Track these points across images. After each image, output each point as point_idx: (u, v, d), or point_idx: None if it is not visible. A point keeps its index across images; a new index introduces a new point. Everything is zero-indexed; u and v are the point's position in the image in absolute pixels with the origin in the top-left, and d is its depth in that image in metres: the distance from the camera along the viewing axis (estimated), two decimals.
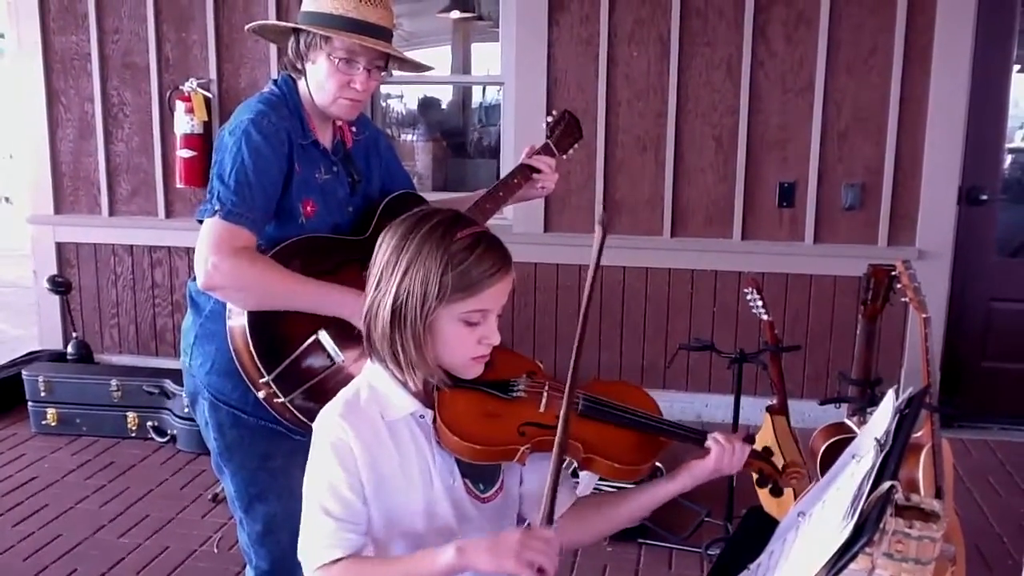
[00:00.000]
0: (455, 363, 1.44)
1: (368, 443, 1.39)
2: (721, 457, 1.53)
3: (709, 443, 1.54)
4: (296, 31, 2.00)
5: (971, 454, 4.14)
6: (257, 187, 1.86)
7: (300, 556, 1.39)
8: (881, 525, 1.06)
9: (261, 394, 1.88)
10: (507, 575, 1.28)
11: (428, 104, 6.43)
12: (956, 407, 4.31)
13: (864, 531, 1.05)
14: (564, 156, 2.38)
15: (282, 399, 1.86)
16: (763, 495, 3.05)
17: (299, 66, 2.00)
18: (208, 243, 1.82)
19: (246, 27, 2.18)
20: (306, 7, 1.98)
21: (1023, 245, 4.58)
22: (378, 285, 1.41)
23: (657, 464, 1.63)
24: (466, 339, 1.41)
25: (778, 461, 1.65)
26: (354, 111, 2.04)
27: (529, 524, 1.46)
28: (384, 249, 1.42)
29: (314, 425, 1.43)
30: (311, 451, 1.42)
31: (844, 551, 1.05)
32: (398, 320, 1.38)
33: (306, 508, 1.39)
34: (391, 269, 1.39)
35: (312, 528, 1.38)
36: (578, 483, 2.20)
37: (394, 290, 1.38)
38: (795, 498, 2.87)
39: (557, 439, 1.39)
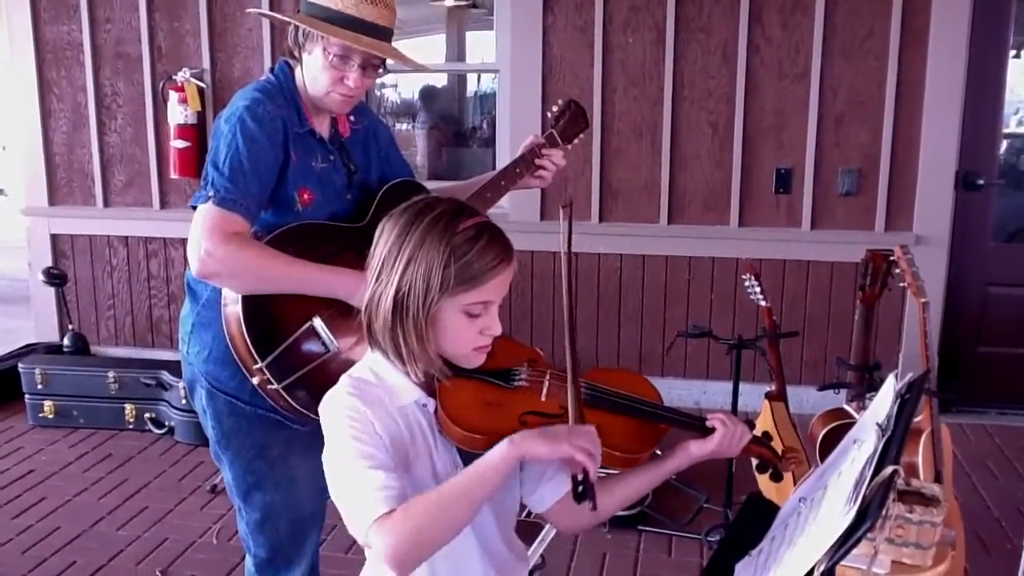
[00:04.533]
0: (457, 354, 1.43)
1: (381, 418, 1.37)
2: (723, 440, 1.53)
3: (714, 424, 1.54)
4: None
5: (968, 439, 4.15)
6: (251, 174, 1.85)
7: (351, 518, 1.30)
8: (883, 511, 1.05)
9: (255, 380, 1.87)
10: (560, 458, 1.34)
11: (423, 93, 6.41)
12: (955, 391, 4.32)
13: (867, 516, 1.05)
14: (568, 146, 2.37)
15: (276, 386, 1.86)
16: (762, 481, 3.06)
17: (296, 54, 1.99)
18: (201, 229, 1.81)
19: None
20: None
21: (1020, 230, 4.58)
22: (379, 276, 1.40)
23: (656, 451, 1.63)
24: (468, 330, 1.40)
25: (777, 446, 1.66)
26: (346, 106, 2.03)
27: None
28: (385, 240, 1.40)
29: (322, 407, 1.40)
30: (327, 433, 1.38)
31: (847, 537, 1.05)
32: (400, 312, 1.37)
33: (344, 478, 1.33)
34: (393, 261, 1.38)
35: (358, 486, 1.30)
36: None
37: (396, 282, 1.37)
38: (795, 483, 2.88)
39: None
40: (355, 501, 1.30)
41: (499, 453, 1.30)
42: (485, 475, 1.30)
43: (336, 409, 1.38)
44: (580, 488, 1.34)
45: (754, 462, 1.69)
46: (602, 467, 1.55)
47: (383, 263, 1.39)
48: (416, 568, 1.31)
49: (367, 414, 1.36)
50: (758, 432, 1.64)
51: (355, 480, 1.31)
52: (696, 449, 1.54)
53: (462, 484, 1.30)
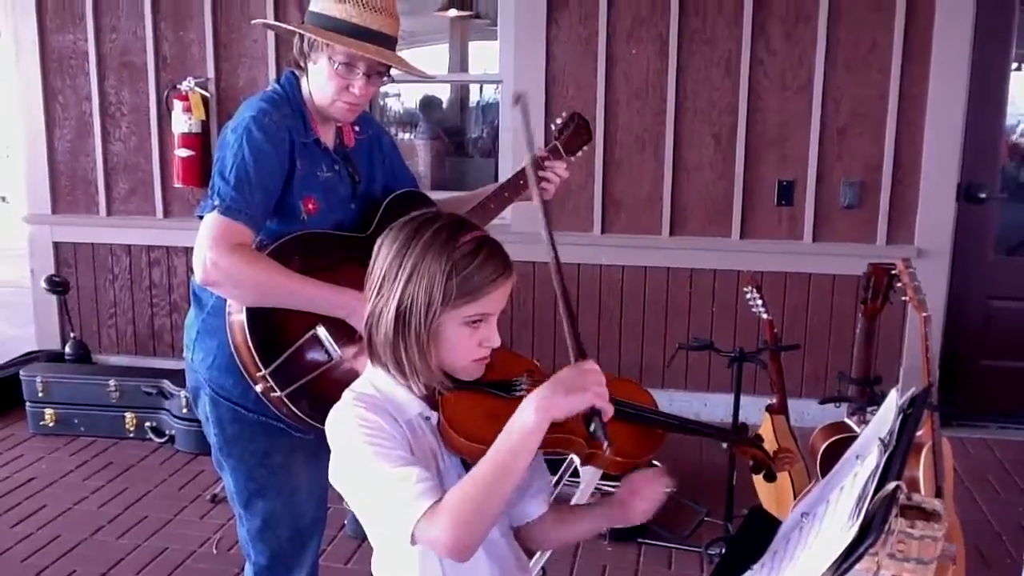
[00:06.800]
0: (456, 366, 1.44)
1: (390, 427, 1.37)
2: (641, 513, 1.56)
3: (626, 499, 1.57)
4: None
5: (969, 453, 4.14)
6: (257, 184, 1.87)
7: (390, 521, 1.30)
8: (886, 526, 1.05)
9: (259, 388, 1.88)
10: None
11: (423, 103, 6.43)
12: (957, 405, 4.31)
13: (869, 532, 1.05)
14: (572, 158, 2.37)
15: (279, 393, 1.86)
16: (758, 483, 3.07)
17: (302, 64, 2.01)
18: (207, 238, 1.83)
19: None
20: (312, 7, 1.97)
21: (1022, 243, 4.57)
22: (380, 291, 1.40)
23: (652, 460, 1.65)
24: (467, 342, 1.41)
25: (770, 448, 1.69)
26: (352, 115, 2.04)
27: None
28: (385, 254, 1.41)
29: (331, 422, 1.40)
30: (338, 448, 1.37)
31: (850, 552, 1.05)
32: (402, 326, 1.38)
33: (371, 484, 1.32)
34: (394, 275, 1.38)
35: (392, 486, 1.29)
36: (556, 493, 2.20)
37: (398, 296, 1.37)
38: (791, 482, 2.89)
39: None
40: (392, 502, 1.29)
41: (529, 420, 1.28)
42: (521, 444, 1.29)
43: (346, 422, 1.38)
44: (592, 428, 1.34)
45: (749, 463, 1.73)
46: (606, 480, 1.56)
47: (384, 277, 1.40)
48: (476, 551, 1.31)
49: (379, 422, 1.36)
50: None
51: (386, 482, 1.30)
52: (617, 518, 1.58)
53: (500, 457, 1.29)
